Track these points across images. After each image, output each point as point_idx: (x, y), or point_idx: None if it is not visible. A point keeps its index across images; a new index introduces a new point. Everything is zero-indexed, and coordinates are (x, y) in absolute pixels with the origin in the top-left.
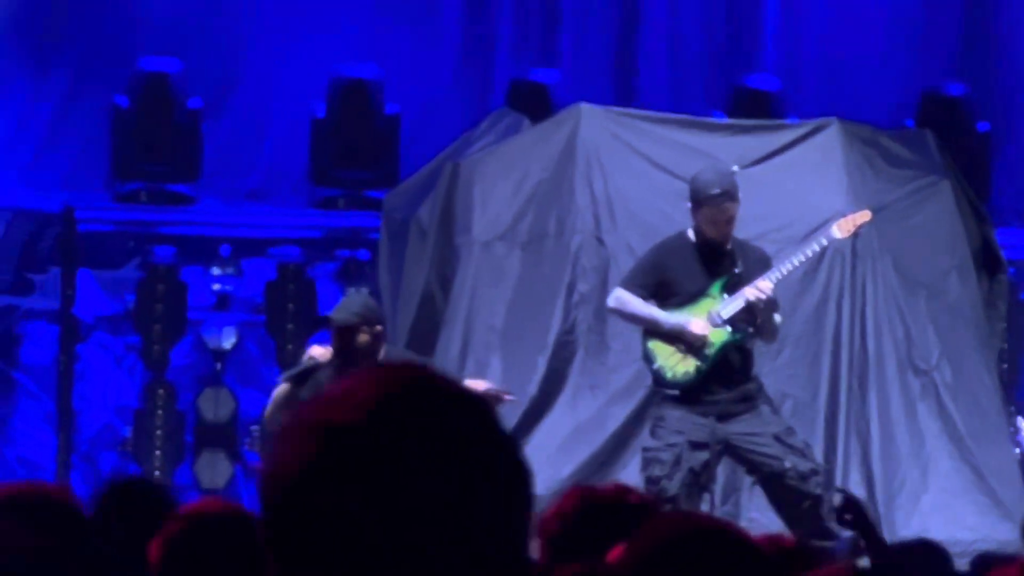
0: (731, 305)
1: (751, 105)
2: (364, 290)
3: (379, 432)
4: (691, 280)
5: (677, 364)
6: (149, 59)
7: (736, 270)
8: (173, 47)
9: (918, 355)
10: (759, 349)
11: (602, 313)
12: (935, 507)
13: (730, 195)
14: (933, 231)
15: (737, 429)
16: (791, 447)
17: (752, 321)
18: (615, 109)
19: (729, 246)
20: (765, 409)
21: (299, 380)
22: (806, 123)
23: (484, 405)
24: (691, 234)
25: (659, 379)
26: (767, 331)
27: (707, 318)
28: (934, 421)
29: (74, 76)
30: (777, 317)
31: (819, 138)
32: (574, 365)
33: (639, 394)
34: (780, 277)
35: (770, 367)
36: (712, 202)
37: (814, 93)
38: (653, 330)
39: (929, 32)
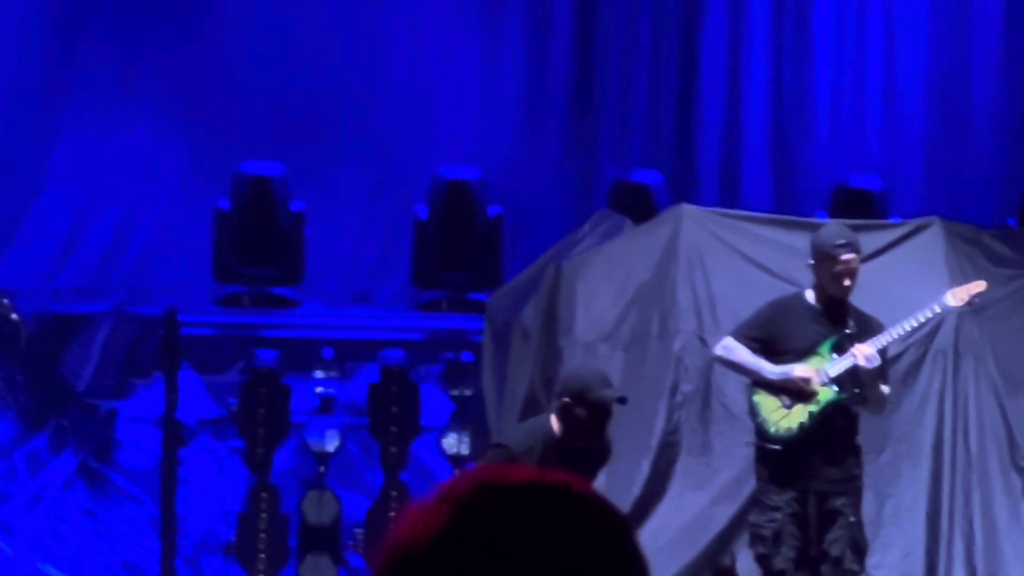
0: (839, 364)
1: (854, 205)
2: None
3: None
4: (801, 338)
5: (781, 419)
6: (252, 162)
7: (847, 331)
8: (276, 150)
9: (1021, 455)
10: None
11: (705, 414)
12: None
13: (854, 247)
14: None
15: (829, 505)
16: (855, 546)
17: (860, 385)
18: (717, 210)
19: (845, 307)
20: (857, 497)
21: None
22: (908, 222)
23: (621, 521)
24: (808, 295)
25: (762, 433)
26: (873, 399)
27: (815, 373)
28: None
29: (178, 179)
30: (885, 388)
31: (921, 237)
32: (678, 466)
33: (743, 493)
34: (891, 341)
35: (872, 466)
36: (836, 252)
37: (917, 193)
38: (758, 381)
39: None
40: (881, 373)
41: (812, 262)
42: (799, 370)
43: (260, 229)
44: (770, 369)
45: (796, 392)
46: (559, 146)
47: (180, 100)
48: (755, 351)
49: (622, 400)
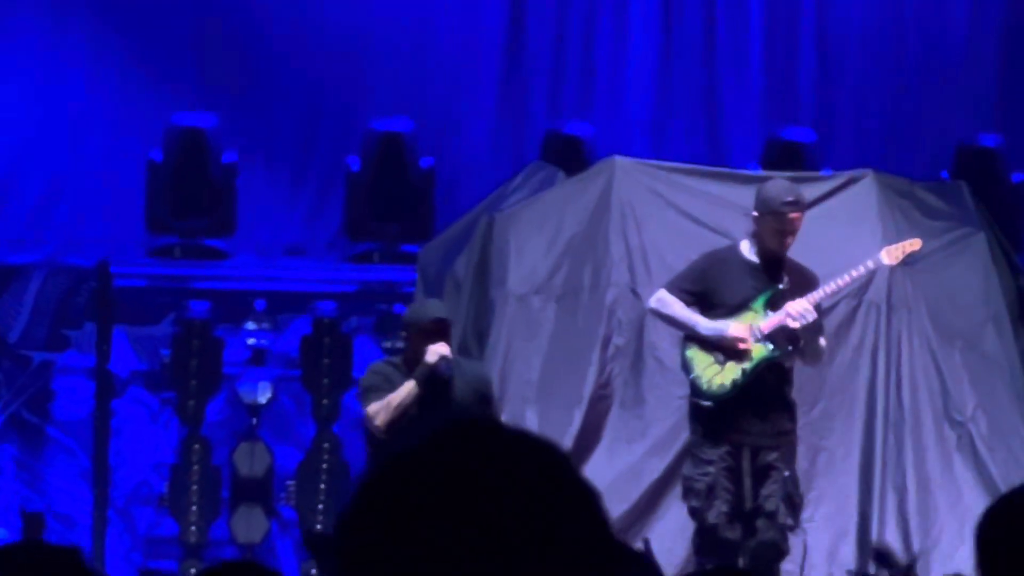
0: (772, 320)
1: (786, 157)
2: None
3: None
4: (736, 292)
5: (715, 376)
6: (184, 114)
7: (780, 286)
8: (208, 102)
9: (954, 407)
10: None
11: (638, 366)
12: (972, 559)
13: (801, 206)
14: (968, 283)
15: (762, 460)
16: (789, 500)
17: (793, 340)
18: (649, 162)
19: (783, 261)
20: (791, 451)
21: (424, 381)
22: (841, 175)
23: (554, 450)
24: (743, 247)
25: (695, 390)
26: (810, 353)
27: (748, 331)
28: (970, 473)
29: (110, 132)
30: (822, 341)
31: (854, 190)
32: (610, 418)
33: (675, 447)
34: (825, 296)
35: (805, 420)
36: (784, 209)
37: (849, 145)
38: (692, 336)
39: (964, 84)
40: (817, 327)
41: (756, 214)
42: (733, 329)
43: (192, 180)
44: (704, 325)
45: (730, 350)
46: (492, 97)
47: (111, 52)
48: (689, 304)
49: (443, 322)
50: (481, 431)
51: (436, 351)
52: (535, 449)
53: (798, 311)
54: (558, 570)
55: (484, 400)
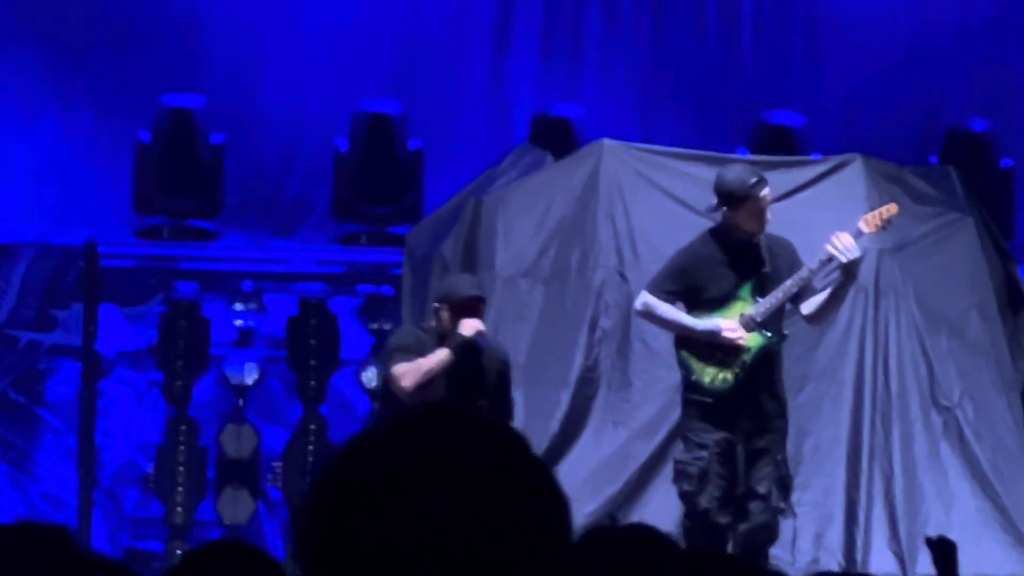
0: (764, 307)
1: (774, 141)
2: None
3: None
4: (719, 285)
5: (716, 374)
6: (172, 95)
7: (764, 269)
8: (197, 83)
9: (941, 392)
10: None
11: (625, 349)
12: (959, 545)
13: (763, 183)
14: (956, 268)
15: (755, 444)
16: (781, 483)
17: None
18: (638, 145)
19: (756, 242)
20: (781, 435)
21: (459, 352)
22: (829, 159)
23: (517, 436)
24: (712, 239)
25: (697, 388)
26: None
27: (740, 321)
28: (957, 458)
29: (98, 113)
30: (821, 296)
31: (842, 174)
32: (597, 401)
33: (663, 430)
34: (809, 275)
35: (792, 404)
36: (755, 191)
37: (838, 129)
38: (684, 336)
39: (953, 68)
40: (800, 295)
41: (725, 207)
42: (726, 324)
43: (180, 161)
44: (696, 325)
45: (726, 345)
46: (480, 79)
47: (101, 31)
48: (673, 303)
49: (479, 299)
50: (441, 415)
51: (473, 325)
52: (493, 433)
53: (844, 246)
54: (514, 550)
55: (503, 380)
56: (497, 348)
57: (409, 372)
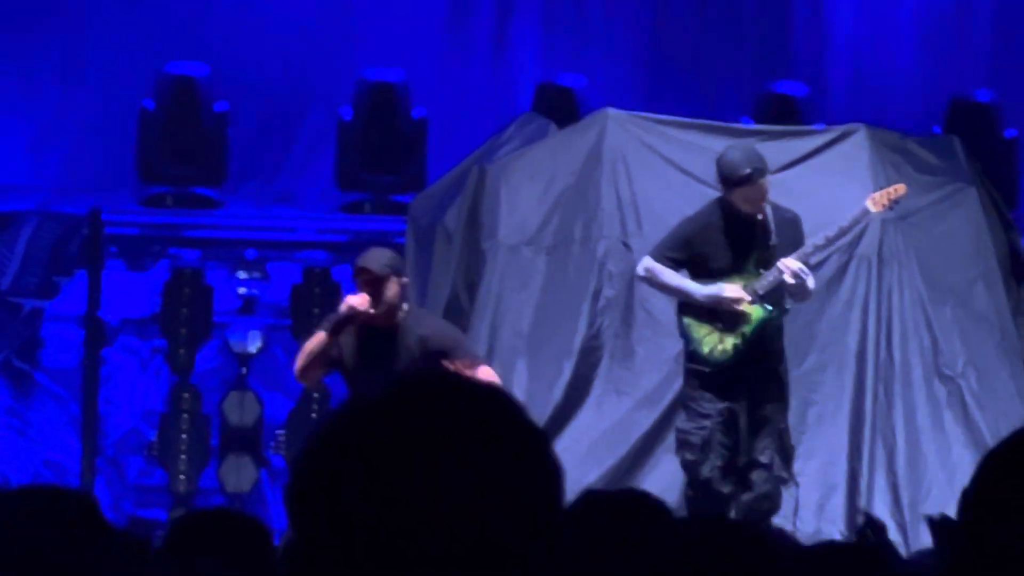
0: (767, 281)
1: (778, 111)
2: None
3: (408, 428)
4: (724, 255)
5: (716, 344)
6: (176, 63)
7: (771, 243)
8: (200, 51)
9: (944, 362)
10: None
11: (629, 318)
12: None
13: (761, 171)
14: (960, 238)
15: (758, 413)
16: (783, 453)
17: (801, 292)
18: (642, 114)
19: (763, 215)
20: (784, 405)
21: (336, 330)
22: (833, 129)
23: (513, 404)
24: (722, 207)
25: (696, 357)
26: (798, 293)
27: (744, 292)
28: (960, 429)
29: (102, 81)
30: (811, 282)
31: (846, 144)
32: (600, 370)
33: (665, 399)
34: (814, 250)
35: (795, 373)
36: (745, 181)
37: (842, 99)
38: (687, 304)
39: (958, 38)
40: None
41: (724, 190)
42: (729, 290)
43: (184, 129)
44: (699, 290)
45: (728, 314)
46: (484, 48)
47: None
48: (677, 270)
49: (361, 270)
50: (430, 381)
51: (347, 302)
52: (482, 396)
53: (792, 270)
54: (508, 514)
55: (430, 354)
56: (424, 324)
57: (298, 357)
